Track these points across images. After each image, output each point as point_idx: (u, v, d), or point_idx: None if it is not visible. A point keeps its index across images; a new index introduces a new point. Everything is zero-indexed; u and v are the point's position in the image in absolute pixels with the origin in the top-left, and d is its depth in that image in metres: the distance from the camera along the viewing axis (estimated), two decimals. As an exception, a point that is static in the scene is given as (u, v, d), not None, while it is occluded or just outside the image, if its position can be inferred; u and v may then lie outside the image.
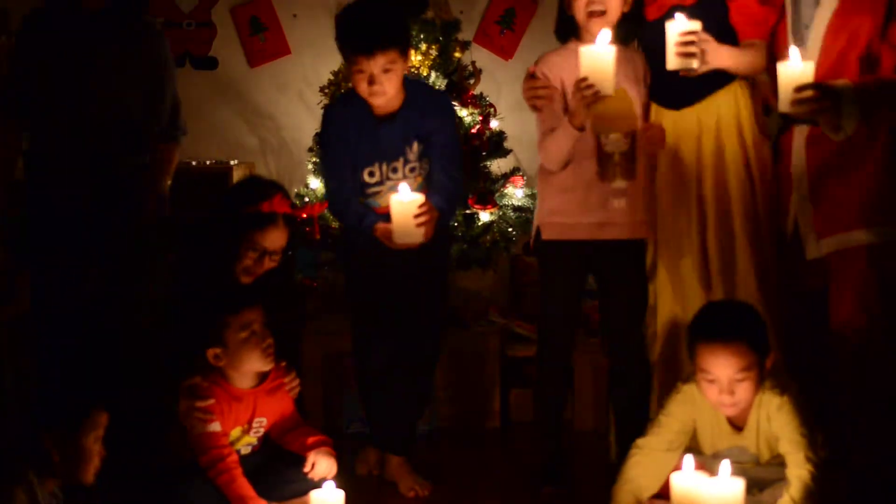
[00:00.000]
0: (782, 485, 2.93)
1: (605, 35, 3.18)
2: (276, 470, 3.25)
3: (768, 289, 3.38)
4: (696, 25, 3.16)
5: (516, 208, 4.32)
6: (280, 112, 4.93)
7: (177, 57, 4.88)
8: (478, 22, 4.85)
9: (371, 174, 3.44)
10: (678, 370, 3.45)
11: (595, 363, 4.12)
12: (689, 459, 2.70)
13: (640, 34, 3.52)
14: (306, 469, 3.19)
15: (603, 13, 3.33)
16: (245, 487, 3.10)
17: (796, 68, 2.99)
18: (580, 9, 3.36)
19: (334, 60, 4.39)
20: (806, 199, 3.28)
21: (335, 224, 4.32)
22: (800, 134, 3.28)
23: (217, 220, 3.30)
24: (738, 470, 2.73)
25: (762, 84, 3.45)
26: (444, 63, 4.31)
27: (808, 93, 2.97)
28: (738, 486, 2.60)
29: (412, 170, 3.43)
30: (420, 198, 3.24)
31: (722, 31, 3.32)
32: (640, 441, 3.12)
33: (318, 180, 4.41)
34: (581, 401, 4.20)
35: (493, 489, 3.67)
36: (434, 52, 4.33)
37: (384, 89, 3.31)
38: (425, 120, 3.41)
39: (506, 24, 4.85)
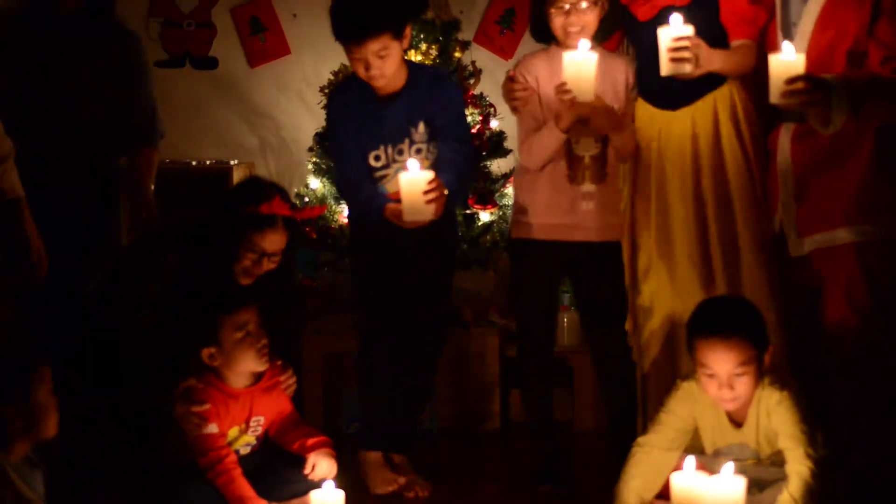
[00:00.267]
0: (782, 484, 2.93)
1: (584, 44, 3.23)
2: (276, 470, 3.25)
3: (773, 284, 3.39)
4: (688, 31, 3.17)
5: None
6: (280, 112, 4.94)
7: (177, 57, 4.90)
8: (478, 22, 4.85)
9: (377, 158, 3.42)
10: (677, 370, 3.45)
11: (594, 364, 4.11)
12: (689, 460, 2.70)
13: (629, 34, 3.54)
14: (307, 471, 3.19)
15: (580, 31, 3.37)
16: (244, 488, 3.10)
17: (788, 60, 3.00)
18: (557, 27, 3.39)
19: (334, 60, 4.39)
20: (791, 196, 3.29)
21: (335, 224, 4.32)
22: (786, 131, 3.30)
23: (216, 221, 3.30)
24: (739, 469, 2.73)
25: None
26: (444, 63, 4.31)
27: (799, 84, 2.97)
28: (740, 485, 2.60)
29: (418, 151, 3.41)
30: (429, 174, 3.22)
31: (714, 30, 3.33)
32: (641, 439, 3.13)
33: (319, 180, 4.41)
34: (581, 401, 4.20)
35: (493, 489, 3.67)
36: (434, 52, 4.33)
37: (382, 73, 3.31)
38: (430, 99, 3.40)
39: (506, 24, 4.85)
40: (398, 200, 3.27)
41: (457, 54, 4.39)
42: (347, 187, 3.50)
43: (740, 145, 3.42)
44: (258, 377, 3.24)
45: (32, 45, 3.55)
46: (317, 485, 2.85)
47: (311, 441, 3.25)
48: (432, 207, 3.22)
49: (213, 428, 3.11)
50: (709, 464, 2.85)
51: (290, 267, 3.49)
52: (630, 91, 3.50)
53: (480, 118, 4.37)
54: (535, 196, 3.50)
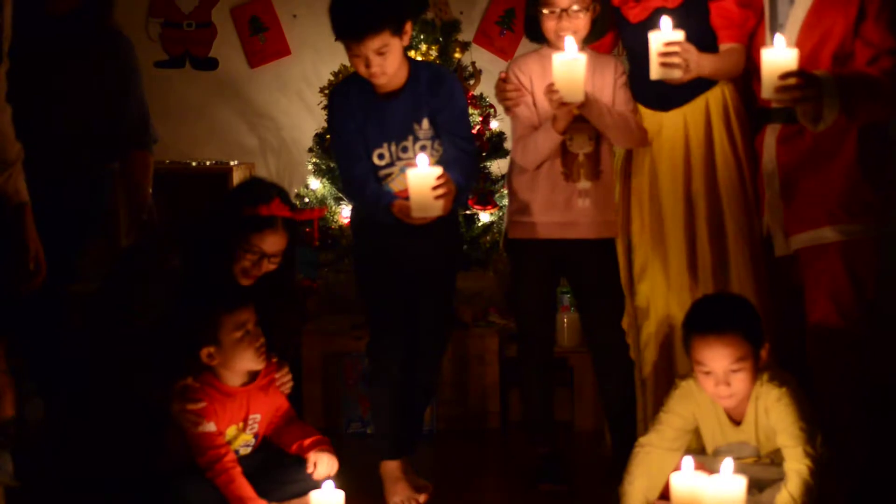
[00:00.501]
0: (782, 484, 2.93)
1: (571, 44, 3.23)
2: (276, 470, 3.25)
3: (762, 285, 3.41)
4: (678, 35, 3.18)
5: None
6: (280, 112, 4.94)
7: (177, 57, 4.91)
8: (478, 22, 4.86)
9: (380, 156, 3.38)
10: (675, 370, 3.46)
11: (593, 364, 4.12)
12: (688, 460, 2.70)
13: (622, 36, 3.56)
14: (309, 470, 3.19)
15: (572, 35, 3.37)
16: (244, 488, 3.10)
17: (781, 55, 3.00)
18: (549, 30, 3.40)
19: (334, 60, 4.40)
20: (777, 196, 3.31)
21: (335, 224, 4.32)
22: (771, 132, 3.32)
23: (216, 222, 3.30)
24: (738, 468, 2.73)
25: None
26: (444, 63, 4.31)
27: (793, 80, 2.98)
28: (740, 484, 2.60)
29: (423, 148, 3.37)
30: (438, 170, 3.17)
31: (704, 33, 3.35)
32: (642, 439, 3.13)
33: (318, 181, 4.41)
34: (581, 401, 4.20)
35: (493, 489, 3.67)
36: (434, 53, 4.33)
37: (382, 70, 3.27)
38: (432, 95, 3.37)
39: (506, 25, 4.86)
40: (406, 198, 3.25)
41: (457, 55, 4.39)
42: (352, 186, 3.44)
43: (731, 147, 3.44)
44: (254, 375, 3.24)
45: (21, 48, 3.53)
46: (317, 485, 2.85)
47: (308, 441, 3.25)
48: (441, 203, 3.18)
49: (210, 426, 3.11)
50: (708, 463, 2.86)
51: (292, 267, 3.46)
52: (622, 84, 3.50)
53: (480, 119, 4.37)
54: (531, 195, 3.50)
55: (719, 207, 3.44)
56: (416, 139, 3.37)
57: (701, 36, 3.32)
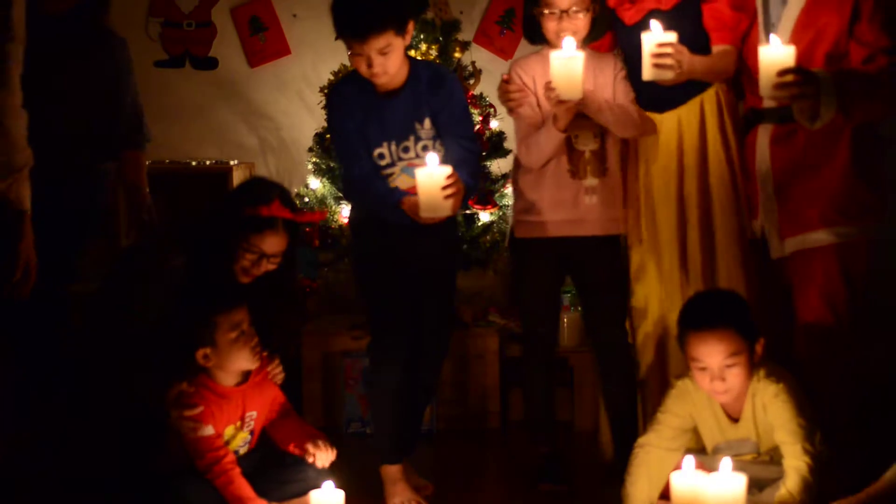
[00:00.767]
0: (781, 482, 2.93)
1: (569, 42, 3.23)
2: (276, 470, 3.25)
3: (751, 286, 3.42)
4: (671, 37, 3.19)
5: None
6: (280, 112, 4.94)
7: (177, 57, 4.91)
8: (478, 22, 4.86)
9: (381, 156, 3.35)
10: (668, 370, 3.49)
11: (595, 363, 4.11)
12: (688, 459, 2.70)
13: (618, 38, 3.56)
14: (309, 461, 3.18)
15: (573, 35, 3.37)
16: (244, 488, 3.10)
17: (778, 53, 3.01)
18: (550, 32, 3.40)
19: (334, 60, 4.40)
20: (771, 198, 3.32)
21: (335, 224, 4.32)
22: (764, 133, 3.32)
23: (216, 221, 3.29)
24: (738, 467, 2.73)
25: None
26: (444, 63, 4.31)
27: (790, 77, 2.99)
28: (740, 482, 2.60)
29: (425, 148, 3.33)
30: (448, 170, 3.12)
31: (697, 35, 3.36)
32: (641, 440, 3.13)
33: (318, 180, 4.41)
34: (581, 401, 4.20)
35: (493, 489, 3.67)
36: (434, 52, 4.33)
37: (384, 70, 3.24)
38: (433, 94, 3.34)
39: (506, 25, 4.86)
40: (413, 195, 3.21)
41: (457, 54, 4.39)
42: (356, 184, 3.38)
43: (725, 149, 3.47)
44: (247, 374, 3.24)
45: None
46: (317, 484, 2.85)
47: (302, 436, 3.26)
48: (451, 203, 3.14)
49: (208, 430, 3.11)
50: (708, 463, 2.85)
51: (293, 267, 3.45)
52: (622, 77, 3.51)
53: (480, 118, 4.37)
54: (537, 194, 3.50)
55: (710, 209, 3.47)
56: (417, 139, 3.35)
57: (694, 38, 3.33)
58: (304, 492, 3.01)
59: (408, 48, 3.46)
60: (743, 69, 3.41)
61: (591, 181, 3.48)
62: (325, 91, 4.38)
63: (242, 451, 3.25)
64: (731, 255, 3.45)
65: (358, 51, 3.22)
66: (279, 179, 4.58)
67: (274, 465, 3.26)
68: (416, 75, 3.35)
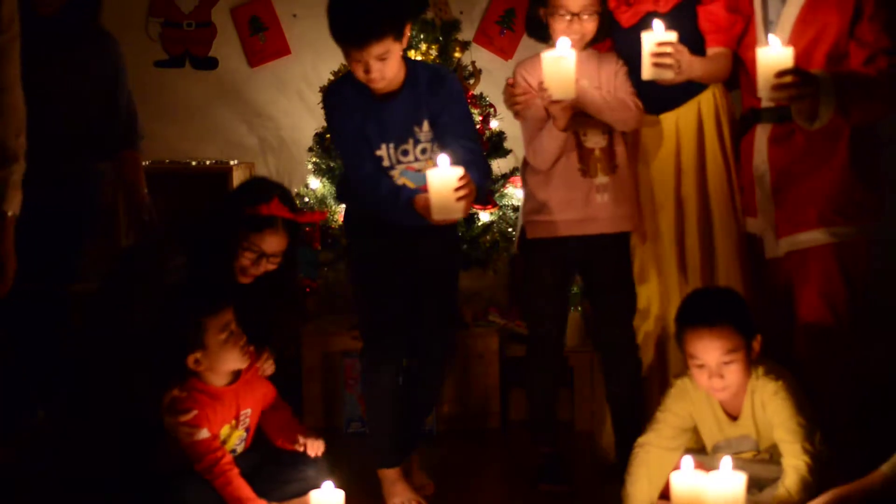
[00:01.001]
0: (779, 481, 2.93)
1: (562, 42, 3.23)
2: (276, 470, 3.25)
3: (747, 286, 3.42)
4: (671, 36, 3.20)
5: (516, 208, 4.32)
6: (280, 112, 4.93)
7: (177, 57, 4.91)
8: (478, 22, 4.85)
9: (379, 158, 3.30)
10: (668, 369, 3.51)
11: (595, 363, 4.11)
12: (688, 459, 2.70)
13: (616, 40, 3.57)
14: (299, 450, 3.22)
15: (580, 39, 3.40)
16: (243, 489, 3.10)
17: (776, 53, 3.01)
18: (559, 33, 3.40)
19: (334, 60, 4.39)
20: (769, 198, 3.32)
21: (335, 224, 4.32)
22: (762, 133, 3.32)
23: (217, 220, 3.29)
24: (738, 465, 2.74)
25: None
26: (443, 63, 4.31)
27: (789, 78, 2.99)
28: (740, 480, 2.60)
29: (423, 151, 3.31)
30: (460, 171, 3.05)
31: (694, 38, 3.37)
32: (640, 439, 3.14)
33: (318, 180, 4.41)
34: (581, 401, 4.20)
35: (493, 488, 3.67)
36: (434, 52, 4.33)
37: (381, 75, 3.20)
38: (432, 96, 3.30)
39: (506, 24, 4.85)
40: (426, 192, 3.14)
41: (457, 54, 4.39)
42: (364, 184, 3.29)
43: (721, 150, 3.48)
44: (238, 373, 3.24)
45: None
46: (316, 484, 2.85)
47: (291, 429, 3.30)
48: (463, 205, 3.09)
49: (203, 433, 3.11)
50: (708, 463, 2.86)
51: (294, 267, 3.44)
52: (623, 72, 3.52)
53: (480, 118, 4.37)
54: (548, 194, 3.50)
55: (708, 209, 3.48)
56: (416, 142, 3.32)
57: (690, 40, 3.34)
58: (304, 492, 3.01)
59: (407, 48, 3.45)
60: (741, 69, 3.41)
61: (601, 179, 3.48)
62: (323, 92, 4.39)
63: (239, 448, 3.26)
64: (728, 255, 3.46)
65: (356, 57, 3.18)
66: (279, 179, 4.58)
67: (273, 464, 3.27)
68: (414, 77, 3.32)
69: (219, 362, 3.15)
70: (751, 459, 3.07)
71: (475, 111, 4.34)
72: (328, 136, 4.32)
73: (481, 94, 4.43)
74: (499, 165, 4.46)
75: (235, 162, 4.78)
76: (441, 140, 3.30)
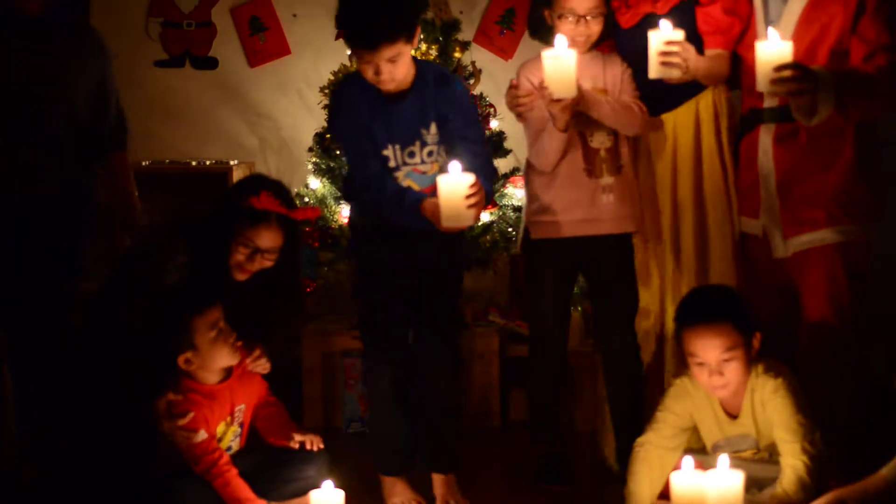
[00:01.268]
0: (777, 480, 2.94)
1: (561, 40, 3.22)
2: (276, 470, 3.25)
3: (741, 287, 3.42)
4: (679, 35, 3.19)
5: (516, 208, 4.32)
6: (280, 112, 4.93)
7: (177, 57, 4.91)
8: (478, 22, 4.85)
9: (386, 158, 3.28)
10: (664, 369, 3.52)
11: (595, 363, 4.11)
12: (688, 459, 2.70)
13: (616, 41, 3.57)
14: (295, 447, 3.24)
15: (586, 40, 3.41)
16: (242, 489, 3.10)
17: (776, 48, 3.01)
18: (565, 34, 3.37)
19: (334, 60, 4.40)
20: (773, 197, 3.31)
21: (335, 224, 4.32)
22: (766, 132, 3.32)
23: (214, 218, 3.29)
24: (738, 465, 2.74)
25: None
26: (444, 63, 4.31)
27: (788, 72, 2.98)
28: (738, 478, 2.60)
29: (430, 154, 3.28)
30: (471, 178, 3.01)
31: (692, 39, 3.36)
32: (640, 439, 3.14)
33: (319, 180, 4.40)
34: (581, 401, 4.19)
35: (493, 488, 3.67)
36: (434, 52, 4.33)
37: (391, 77, 3.17)
38: (439, 99, 3.27)
39: (506, 24, 4.85)
40: (431, 194, 3.15)
41: (457, 54, 4.39)
42: (370, 183, 3.26)
43: (719, 152, 3.49)
44: (230, 369, 3.24)
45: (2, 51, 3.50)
46: (316, 484, 2.85)
47: (286, 427, 3.32)
48: (473, 212, 3.04)
49: (201, 435, 3.11)
50: (708, 462, 2.86)
51: (295, 267, 3.43)
52: (628, 75, 3.52)
53: (480, 118, 4.36)
54: (552, 195, 3.50)
55: (703, 212, 3.49)
56: (423, 144, 3.29)
57: (689, 42, 3.32)
58: (304, 491, 3.01)
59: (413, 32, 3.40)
60: (742, 69, 3.41)
61: (607, 179, 3.48)
62: (326, 91, 4.38)
63: (235, 445, 3.26)
64: (723, 256, 3.47)
65: (367, 59, 3.15)
66: (279, 179, 4.59)
67: (273, 464, 3.27)
68: (422, 78, 3.28)
69: (210, 360, 3.15)
70: (751, 459, 3.07)
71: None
72: (328, 136, 4.32)
73: (481, 94, 4.43)
74: (499, 165, 4.45)
75: (236, 162, 4.79)
76: (449, 144, 3.28)
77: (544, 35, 3.51)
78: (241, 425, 3.30)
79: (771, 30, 3.10)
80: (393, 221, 3.28)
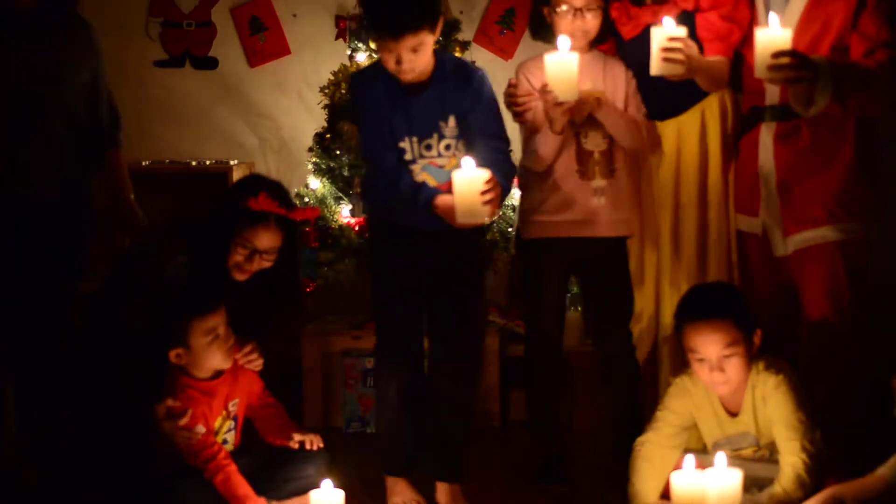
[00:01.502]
0: (776, 479, 2.94)
1: (564, 42, 3.21)
2: (276, 469, 3.25)
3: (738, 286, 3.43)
4: (682, 31, 3.19)
5: (516, 208, 4.32)
6: (280, 112, 4.94)
7: (177, 57, 4.91)
8: (478, 22, 4.85)
9: (402, 150, 3.23)
10: (660, 369, 3.55)
11: (594, 364, 4.11)
12: (689, 459, 2.71)
13: (619, 51, 3.57)
14: (294, 446, 3.25)
15: (584, 36, 3.41)
16: (241, 486, 3.10)
17: (775, 34, 3.00)
18: (562, 29, 3.39)
19: (334, 60, 4.40)
20: (774, 195, 3.31)
21: (335, 224, 4.32)
22: (767, 130, 3.32)
23: (214, 218, 3.29)
24: (738, 464, 2.74)
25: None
26: (443, 63, 4.30)
27: (786, 59, 2.98)
28: (736, 477, 2.60)
29: (447, 147, 3.24)
30: (486, 173, 2.98)
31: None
32: (640, 438, 3.14)
33: (319, 180, 4.41)
34: (580, 401, 4.19)
35: (493, 488, 3.66)
36: (434, 52, 4.32)
37: (412, 67, 3.14)
38: (459, 92, 3.23)
39: (506, 24, 4.85)
40: (447, 191, 3.11)
41: (457, 54, 4.39)
42: (386, 177, 3.21)
43: (723, 157, 3.48)
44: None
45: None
46: (315, 483, 2.85)
47: (285, 426, 3.32)
48: (488, 209, 3.01)
49: (199, 430, 3.13)
50: (708, 461, 2.86)
51: (294, 267, 3.43)
52: (633, 89, 3.52)
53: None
54: (545, 195, 3.49)
55: (705, 216, 3.50)
56: (441, 137, 3.25)
57: None
58: (304, 491, 3.01)
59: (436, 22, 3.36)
60: (743, 69, 3.41)
61: (599, 182, 3.47)
62: (326, 91, 4.38)
63: (230, 438, 3.27)
64: (721, 257, 3.48)
65: (389, 48, 3.12)
66: (279, 179, 4.59)
67: (273, 464, 3.27)
68: (441, 69, 3.24)
69: (200, 361, 3.16)
70: (751, 457, 3.08)
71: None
72: (328, 136, 4.32)
73: (481, 94, 4.42)
74: (499, 165, 4.46)
75: (235, 162, 4.79)
76: (469, 138, 3.25)
77: (545, 36, 3.51)
78: (235, 419, 3.30)
79: (772, 14, 3.08)
80: (405, 221, 3.25)
